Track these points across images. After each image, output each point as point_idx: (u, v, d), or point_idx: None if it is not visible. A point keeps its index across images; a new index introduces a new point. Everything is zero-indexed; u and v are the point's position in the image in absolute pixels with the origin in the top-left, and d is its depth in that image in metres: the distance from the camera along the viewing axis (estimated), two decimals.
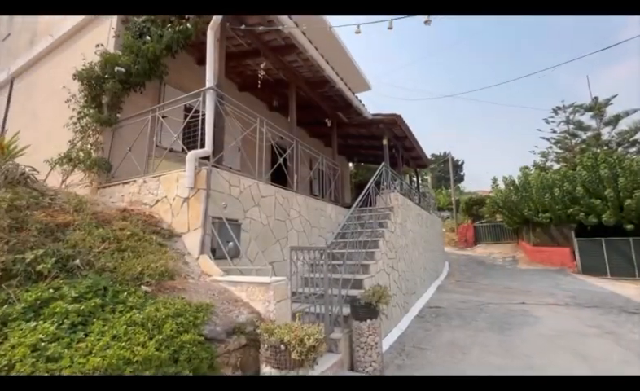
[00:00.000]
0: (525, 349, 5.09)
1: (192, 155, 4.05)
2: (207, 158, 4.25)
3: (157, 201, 4.34)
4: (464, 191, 42.34)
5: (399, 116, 8.90)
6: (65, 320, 2.08)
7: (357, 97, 8.24)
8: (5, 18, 9.73)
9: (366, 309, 4.12)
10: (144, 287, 2.73)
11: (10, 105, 8.01)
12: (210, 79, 4.45)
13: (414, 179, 15.14)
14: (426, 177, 36.16)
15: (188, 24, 5.16)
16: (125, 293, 2.50)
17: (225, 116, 4.77)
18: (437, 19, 4.04)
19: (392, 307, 6.27)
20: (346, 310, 4.53)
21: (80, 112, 5.22)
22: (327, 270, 4.32)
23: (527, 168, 18.92)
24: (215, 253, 3.90)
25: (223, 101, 4.69)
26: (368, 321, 4.12)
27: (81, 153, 5.04)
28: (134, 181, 4.70)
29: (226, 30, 5.29)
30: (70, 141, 5.14)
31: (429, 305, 8.42)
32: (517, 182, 17.75)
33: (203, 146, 4.23)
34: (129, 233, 3.30)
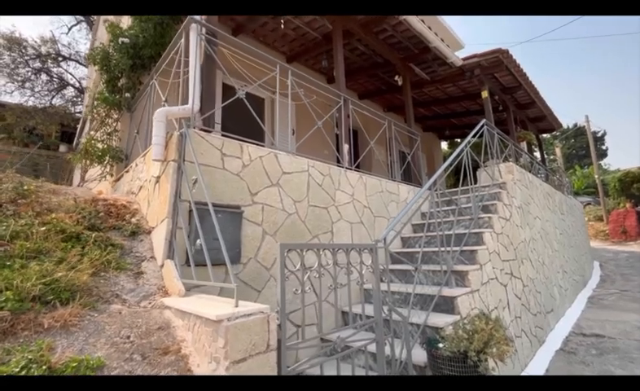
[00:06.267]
0: None
1: (161, 113, 2.75)
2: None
3: (141, 187, 3.23)
4: (609, 169, 32.64)
5: (505, 52, 6.08)
6: None
7: (436, 34, 5.90)
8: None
9: (457, 366, 2.05)
10: None
11: None
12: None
13: (536, 151, 11.29)
14: (552, 154, 28.74)
15: None
16: None
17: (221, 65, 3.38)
18: None
19: (515, 337, 3.85)
20: (422, 355, 2.54)
21: (95, 98, 4.66)
22: (379, 282, 2.44)
23: None
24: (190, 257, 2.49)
25: (217, 40, 3.32)
26: None
27: (98, 144, 4.45)
28: (131, 167, 3.75)
29: None
30: (87, 132, 4.62)
31: (580, 330, 5.38)
32: None
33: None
34: (44, 229, 2.16)
